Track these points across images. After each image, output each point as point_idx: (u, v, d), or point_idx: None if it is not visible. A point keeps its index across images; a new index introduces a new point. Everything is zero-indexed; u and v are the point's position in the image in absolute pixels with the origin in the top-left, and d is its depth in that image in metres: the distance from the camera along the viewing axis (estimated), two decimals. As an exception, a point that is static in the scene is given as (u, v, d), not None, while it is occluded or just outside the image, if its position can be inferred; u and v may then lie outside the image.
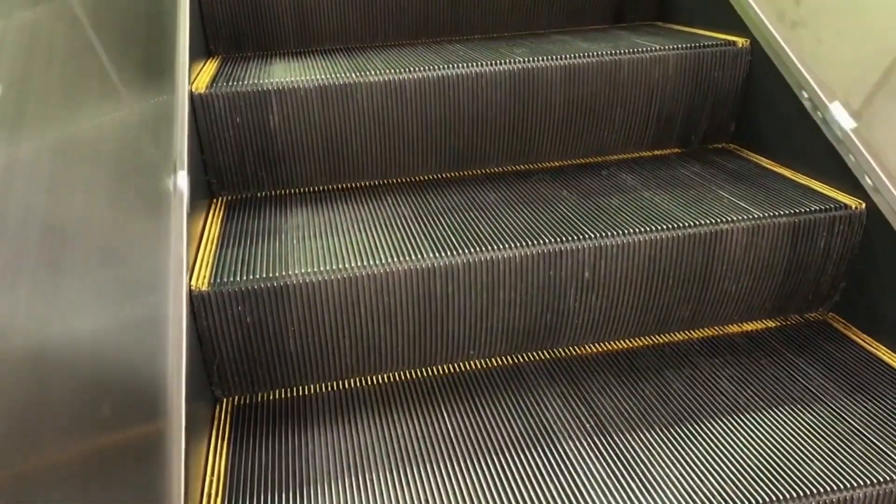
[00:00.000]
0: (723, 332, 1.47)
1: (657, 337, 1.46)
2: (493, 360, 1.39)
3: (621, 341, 1.44)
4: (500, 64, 1.61)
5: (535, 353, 1.41)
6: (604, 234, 1.34)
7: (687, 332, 1.47)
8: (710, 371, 1.35)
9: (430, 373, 1.36)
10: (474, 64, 1.60)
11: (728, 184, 1.56)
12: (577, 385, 1.31)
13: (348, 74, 1.57)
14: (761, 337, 1.45)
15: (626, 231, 1.35)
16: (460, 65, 1.59)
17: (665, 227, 1.36)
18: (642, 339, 1.45)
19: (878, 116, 1.40)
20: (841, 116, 1.47)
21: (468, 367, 1.37)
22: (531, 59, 1.62)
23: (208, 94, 1.51)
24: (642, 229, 1.35)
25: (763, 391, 1.29)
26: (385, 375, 1.36)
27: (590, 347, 1.43)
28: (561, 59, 1.64)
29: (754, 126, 1.76)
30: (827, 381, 1.31)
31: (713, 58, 1.72)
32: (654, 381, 1.32)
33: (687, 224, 1.37)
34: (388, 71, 1.58)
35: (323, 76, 1.56)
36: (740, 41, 1.71)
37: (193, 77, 1.55)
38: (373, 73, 1.57)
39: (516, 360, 1.39)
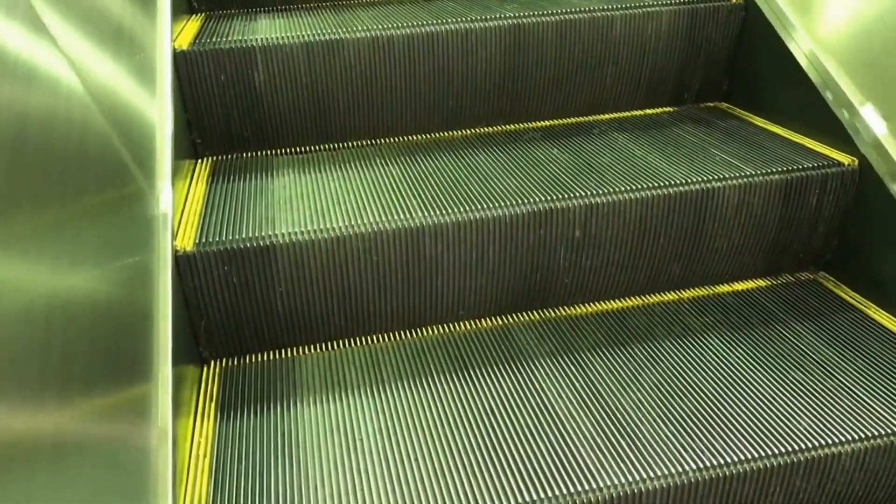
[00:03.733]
0: (713, 292, 1.46)
1: (647, 297, 1.45)
2: (482, 320, 1.38)
3: (611, 301, 1.44)
4: (491, 20, 1.57)
5: (524, 314, 1.40)
6: (594, 193, 1.32)
7: (677, 291, 1.46)
8: (701, 330, 1.34)
9: (420, 334, 1.35)
10: (464, 20, 1.56)
11: (720, 142, 1.55)
12: (567, 344, 1.30)
13: (335, 30, 1.53)
14: (752, 296, 1.45)
15: (616, 189, 1.33)
16: (450, 21, 1.56)
17: (656, 184, 1.35)
18: (632, 298, 1.44)
19: (874, 72, 1.38)
20: (836, 73, 1.44)
21: (458, 328, 1.36)
22: (522, 14, 1.59)
23: (191, 51, 1.47)
24: (633, 187, 1.34)
25: (753, 349, 1.29)
26: (374, 337, 1.35)
27: (580, 307, 1.42)
28: (552, 14, 1.60)
29: (747, 84, 1.73)
30: (817, 339, 1.31)
31: (707, 14, 1.69)
32: (644, 340, 1.32)
33: (678, 182, 1.35)
34: (375, 27, 1.55)
35: (309, 32, 1.53)
36: (734, -4, 1.68)
37: (176, 34, 1.52)
38: (360, 29, 1.54)
39: (506, 321, 1.38)
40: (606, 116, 1.74)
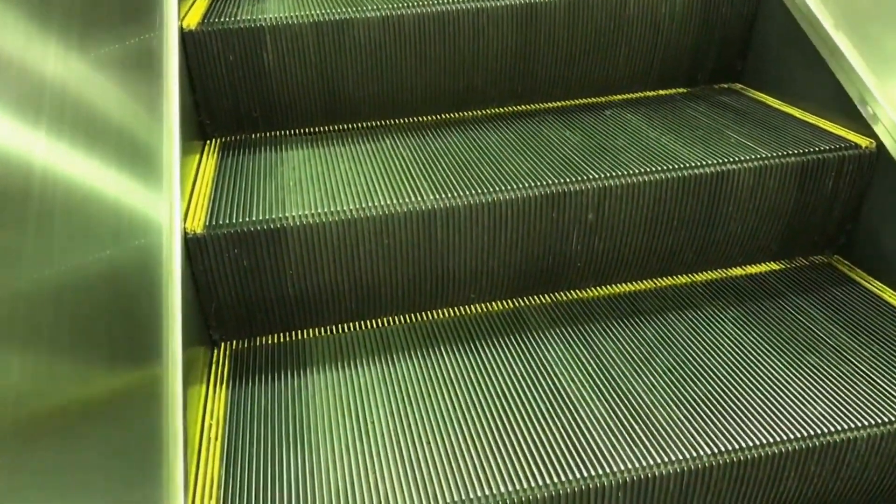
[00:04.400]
0: (727, 275, 1.45)
1: (660, 280, 1.44)
2: (493, 303, 1.37)
3: (624, 285, 1.42)
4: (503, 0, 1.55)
5: (536, 297, 1.39)
6: (608, 176, 1.30)
7: (690, 275, 1.45)
8: (714, 314, 1.33)
9: (431, 317, 1.35)
10: (475, 0, 1.54)
11: (735, 123, 1.52)
12: (579, 328, 1.29)
13: (344, 10, 1.51)
14: (766, 279, 1.43)
15: (630, 172, 1.31)
16: (461, 0, 1.54)
17: (670, 167, 1.33)
18: (645, 282, 1.43)
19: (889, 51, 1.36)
20: (851, 54, 1.42)
21: (469, 311, 1.36)
22: (534, -6, 1.56)
23: (199, 31, 1.45)
24: (647, 170, 1.32)
25: (767, 333, 1.28)
26: (385, 319, 1.34)
27: (592, 291, 1.41)
28: (565, -7, 1.58)
29: (762, 65, 1.71)
30: (831, 324, 1.30)
31: (722, -7, 1.66)
32: (656, 324, 1.31)
33: (693, 164, 1.34)
34: (385, 6, 1.52)
35: (318, 12, 1.51)
36: (750, -25, 1.65)
37: (183, 13, 1.50)
38: (370, 8, 1.52)
39: (517, 304, 1.37)
40: (619, 97, 1.72)
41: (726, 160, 1.35)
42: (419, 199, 1.25)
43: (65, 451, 0.64)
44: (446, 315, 1.35)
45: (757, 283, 1.43)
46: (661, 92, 1.75)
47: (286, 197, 1.28)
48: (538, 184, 1.28)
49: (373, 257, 1.26)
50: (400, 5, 1.52)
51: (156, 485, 0.84)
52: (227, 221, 1.20)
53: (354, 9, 1.51)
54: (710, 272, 1.46)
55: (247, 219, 1.21)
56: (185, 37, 1.44)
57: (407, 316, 1.35)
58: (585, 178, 1.30)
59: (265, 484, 1.00)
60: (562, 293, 1.40)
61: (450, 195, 1.26)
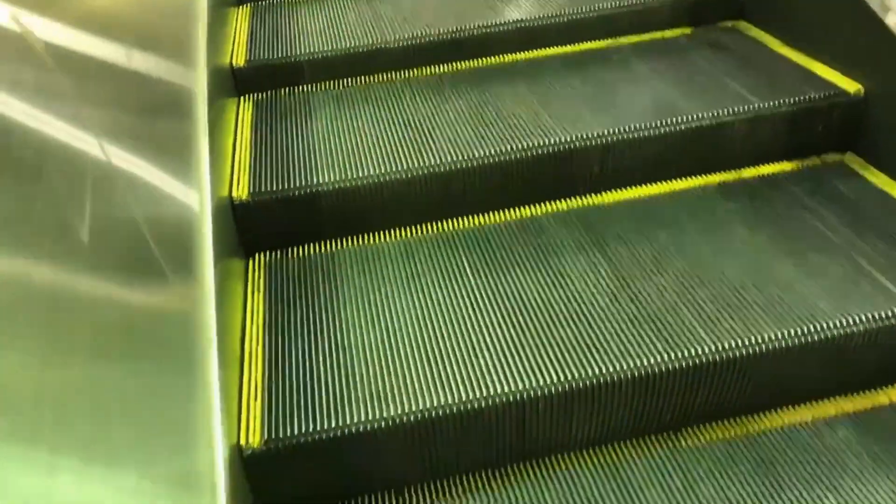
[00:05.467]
0: (739, 177, 1.48)
1: (675, 182, 1.48)
2: (512, 211, 1.43)
3: (639, 188, 1.47)
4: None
5: (553, 203, 1.44)
6: (612, 133, 1.43)
7: (704, 175, 1.49)
8: (726, 216, 1.38)
9: (453, 226, 1.41)
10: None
11: (735, 70, 1.61)
12: (595, 234, 1.35)
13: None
14: (777, 180, 1.47)
15: (634, 128, 1.44)
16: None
17: (673, 121, 1.44)
18: (659, 184, 1.48)
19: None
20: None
21: (489, 220, 1.42)
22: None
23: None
24: (650, 124, 1.44)
25: (777, 234, 1.32)
26: (409, 229, 1.41)
27: (607, 196, 1.46)
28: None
29: (761, 2, 1.76)
30: (839, 221, 1.34)
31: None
32: (669, 227, 1.36)
33: (692, 118, 1.45)
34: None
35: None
36: None
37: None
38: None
39: (535, 211, 1.43)
40: (626, 40, 1.79)
41: (722, 112, 1.46)
42: (438, 160, 1.41)
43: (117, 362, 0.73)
44: (468, 223, 1.41)
45: (769, 182, 1.46)
46: (667, 34, 1.81)
47: (318, 161, 1.44)
48: (547, 140, 1.42)
49: (401, 202, 1.42)
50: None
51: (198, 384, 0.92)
52: (269, 188, 1.38)
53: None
54: (723, 172, 1.49)
55: (285, 186, 1.39)
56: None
57: (428, 224, 1.41)
58: (592, 134, 1.43)
59: (305, 391, 1.10)
60: (577, 199, 1.45)
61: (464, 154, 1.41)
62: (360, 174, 1.39)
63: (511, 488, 1.10)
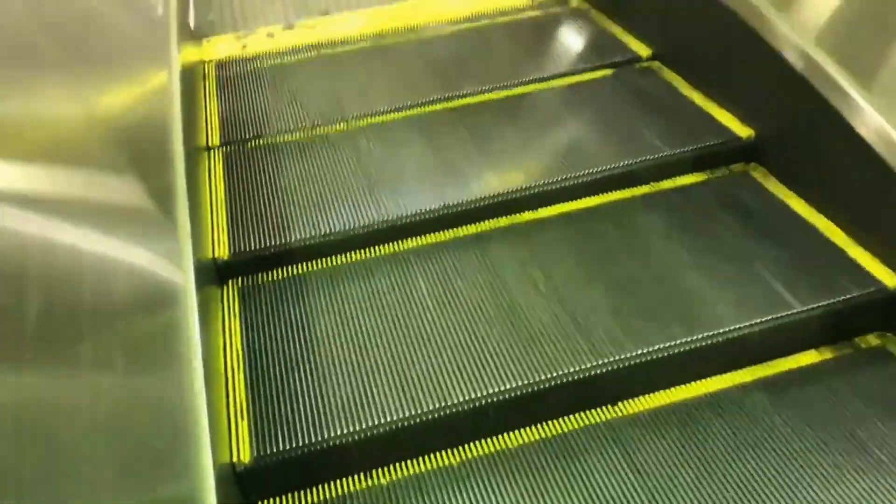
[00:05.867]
0: (657, 189, 1.67)
1: (602, 196, 1.67)
2: (462, 229, 1.60)
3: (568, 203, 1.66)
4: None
5: (495, 221, 1.62)
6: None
7: (630, 189, 1.68)
8: (648, 229, 1.57)
9: (405, 245, 1.57)
10: None
11: (646, 116, 1.83)
12: (530, 247, 1.54)
13: None
14: (692, 190, 1.66)
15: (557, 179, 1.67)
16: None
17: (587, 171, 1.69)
18: (590, 199, 1.66)
19: None
20: None
21: (436, 237, 1.59)
22: None
23: None
24: (570, 175, 1.68)
25: (690, 244, 1.52)
26: (366, 251, 1.57)
27: (543, 211, 1.64)
28: None
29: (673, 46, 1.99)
30: (743, 231, 1.54)
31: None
32: (598, 241, 1.55)
33: (608, 166, 1.68)
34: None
35: None
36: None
37: None
38: None
39: (483, 228, 1.61)
40: (556, 83, 1.99)
41: (634, 161, 1.70)
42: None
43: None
44: (417, 243, 1.57)
45: (684, 194, 1.66)
46: (587, 76, 2.00)
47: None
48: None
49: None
50: None
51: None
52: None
53: None
54: (644, 186, 1.69)
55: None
56: None
57: (384, 247, 1.57)
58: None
59: (286, 400, 1.26)
60: (519, 215, 1.62)
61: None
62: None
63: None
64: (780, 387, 1.32)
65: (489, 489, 1.18)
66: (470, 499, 1.16)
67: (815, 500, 1.13)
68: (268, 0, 2.51)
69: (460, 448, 1.25)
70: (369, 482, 1.20)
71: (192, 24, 2.18)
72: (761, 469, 1.18)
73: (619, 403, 1.31)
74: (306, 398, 1.25)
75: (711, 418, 1.26)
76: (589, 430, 1.27)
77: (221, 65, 2.19)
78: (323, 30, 2.32)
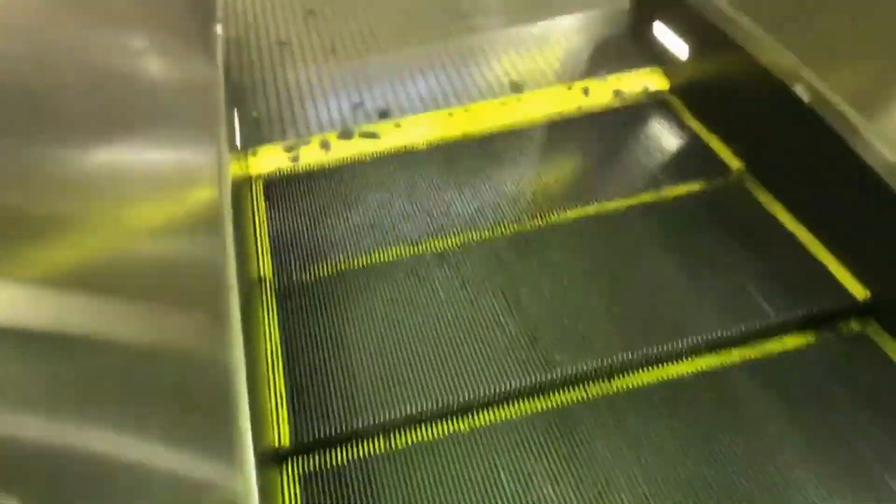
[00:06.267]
0: (658, 197, 1.82)
1: (600, 205, 1.82)
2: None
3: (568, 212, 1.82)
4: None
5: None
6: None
7: (621, 199, 1.82)
8: (643, 240, 1.72)
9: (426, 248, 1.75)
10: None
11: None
12: (533, 263, 1.71)
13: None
14: (687, 201, 1.80)
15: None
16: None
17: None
18: (588, 207, 1.82)
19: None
20: None
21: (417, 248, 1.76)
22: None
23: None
24: None
25: (681, 257, 1.66)
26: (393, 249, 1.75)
27: (541, 221, 1.81)
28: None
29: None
30: (730, 242, 1.67)
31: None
32: (595, 253, 1.71)
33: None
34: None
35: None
36: None
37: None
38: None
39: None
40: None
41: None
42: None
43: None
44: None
45: (681, 204, 1.80)
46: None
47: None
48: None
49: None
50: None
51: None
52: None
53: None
54: (634, 198, 1.82)
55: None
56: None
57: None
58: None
59: (318, 387, 1.46)
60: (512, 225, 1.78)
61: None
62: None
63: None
64: (765, 368, 1.47)
65: (496, 454, 1.36)
66: (477, 463, 1.34)
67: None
68: (319, 97, 2.26)
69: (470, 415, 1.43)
70: (387, 446, 1.40)
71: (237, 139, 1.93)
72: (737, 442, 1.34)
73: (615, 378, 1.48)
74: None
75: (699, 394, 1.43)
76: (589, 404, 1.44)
77: (270, 183, 1.96)
78: (387, 139, 2.07)
